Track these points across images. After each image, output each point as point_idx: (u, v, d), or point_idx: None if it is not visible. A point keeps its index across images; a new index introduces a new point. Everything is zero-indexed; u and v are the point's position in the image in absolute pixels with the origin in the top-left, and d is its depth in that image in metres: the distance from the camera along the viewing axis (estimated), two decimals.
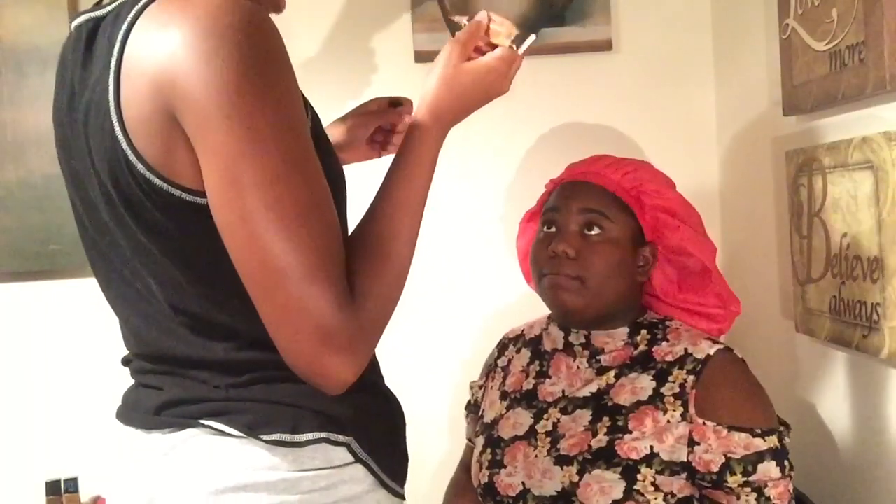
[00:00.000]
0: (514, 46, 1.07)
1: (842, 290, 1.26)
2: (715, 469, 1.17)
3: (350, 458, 0.91)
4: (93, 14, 0.92)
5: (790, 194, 1.40)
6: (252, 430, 0.87)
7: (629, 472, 1.19)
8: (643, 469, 1.18)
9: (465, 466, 1.51)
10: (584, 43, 1.67)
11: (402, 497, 0.97)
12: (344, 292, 0.80)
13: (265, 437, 0.87)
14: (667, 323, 1.33)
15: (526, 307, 1.53)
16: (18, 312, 1.61)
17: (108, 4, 0.91)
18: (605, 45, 1.69)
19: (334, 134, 1.31)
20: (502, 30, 1.09)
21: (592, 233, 1.28)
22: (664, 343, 1.28)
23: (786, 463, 1.17)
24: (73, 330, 1.61)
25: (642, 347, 1.29)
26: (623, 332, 1.32)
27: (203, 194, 0.81)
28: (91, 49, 0.89)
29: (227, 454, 0.88)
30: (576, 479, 1.21)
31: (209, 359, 0.91)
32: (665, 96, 1.73)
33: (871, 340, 1.19)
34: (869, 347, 1.20)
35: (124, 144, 0.82)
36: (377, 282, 0.86)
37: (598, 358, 1.31)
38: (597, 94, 1.73)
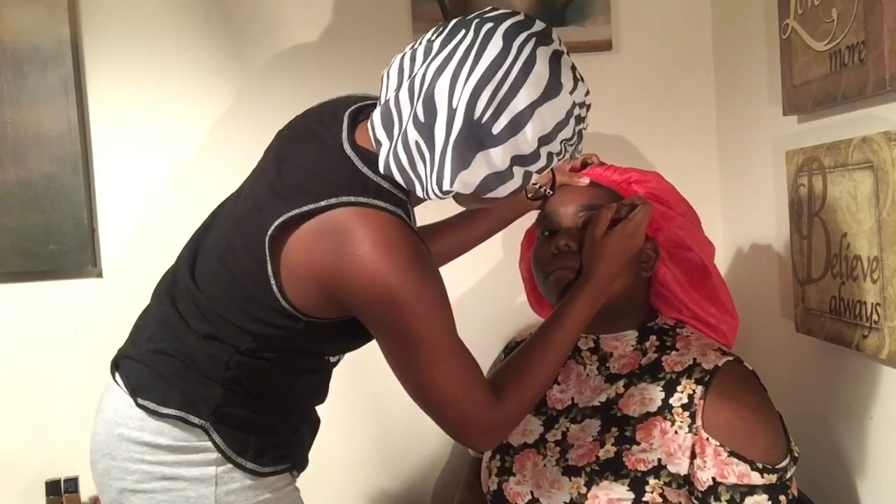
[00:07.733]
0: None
1: (842, 290, 1.26)
2: (702, 488, 1.16)
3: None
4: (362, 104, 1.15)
5: (790, 194, 1.40)
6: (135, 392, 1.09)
7: (637, 483, 1.17)
8: (651, 481, 1.17)
9: (468, 483, 1.48)
10: (584, 43, 1.67)
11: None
12: (488, 394, 1.07)
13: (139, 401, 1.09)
14: (678, 330, 1.31)
15: (530, 311, 1.53)
16: (18, 312, 1.61)
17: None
18: (605, 45, 1.69)
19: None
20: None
21: None
22: (674, 353, 1.27)
23: (781, 498, 1.14)
24: (73, 330, 1.61)
25: (651, 355, 1.28)
26: (632, 335, 1.31)
27: (307, 314, 1.04)
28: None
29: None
30: (583, 490, 1.19)
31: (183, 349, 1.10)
32: (665, 96, 1.73)
33: (871, 340, 1.19)
34: (869, 347, 1.20)
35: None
36: (519, 389, 1.12)
37: (607, 365, 1.30)
38: (597, 93, 1.71)
